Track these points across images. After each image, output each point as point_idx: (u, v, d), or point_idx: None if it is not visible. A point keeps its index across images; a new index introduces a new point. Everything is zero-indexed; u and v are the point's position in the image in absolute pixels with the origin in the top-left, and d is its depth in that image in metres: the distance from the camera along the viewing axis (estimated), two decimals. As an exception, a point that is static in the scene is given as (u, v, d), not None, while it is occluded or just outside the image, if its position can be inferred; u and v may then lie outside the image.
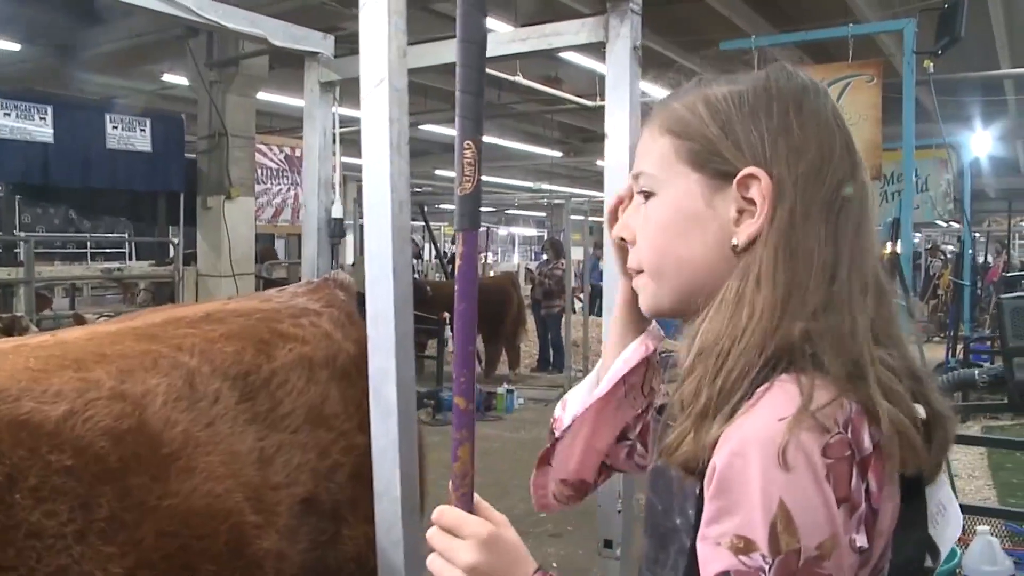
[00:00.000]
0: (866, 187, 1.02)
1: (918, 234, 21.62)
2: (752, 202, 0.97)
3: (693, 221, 1.01)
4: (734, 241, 0.98)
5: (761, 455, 0.84)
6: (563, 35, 2.56)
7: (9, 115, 8.33)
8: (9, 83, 9.73)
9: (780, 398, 0.87)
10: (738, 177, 0.98)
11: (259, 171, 10.26)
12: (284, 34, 2.91)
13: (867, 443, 0.87)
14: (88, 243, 16.08)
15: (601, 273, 14.21)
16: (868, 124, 5.19)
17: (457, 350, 1.00)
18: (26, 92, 9.06)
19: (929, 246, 19.11)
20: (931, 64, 5.05)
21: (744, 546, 0.83)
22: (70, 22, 9.85)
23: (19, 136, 8.36)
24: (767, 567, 0.83)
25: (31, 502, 1.64)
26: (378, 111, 1.94)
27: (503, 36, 2.81)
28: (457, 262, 1.01)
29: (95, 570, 1.70)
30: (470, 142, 0.98)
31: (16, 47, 10.29)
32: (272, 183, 10.63)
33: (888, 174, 7.17)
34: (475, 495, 1.01)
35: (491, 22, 8.77)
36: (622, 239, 1.12)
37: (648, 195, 1.05)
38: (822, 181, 0.97)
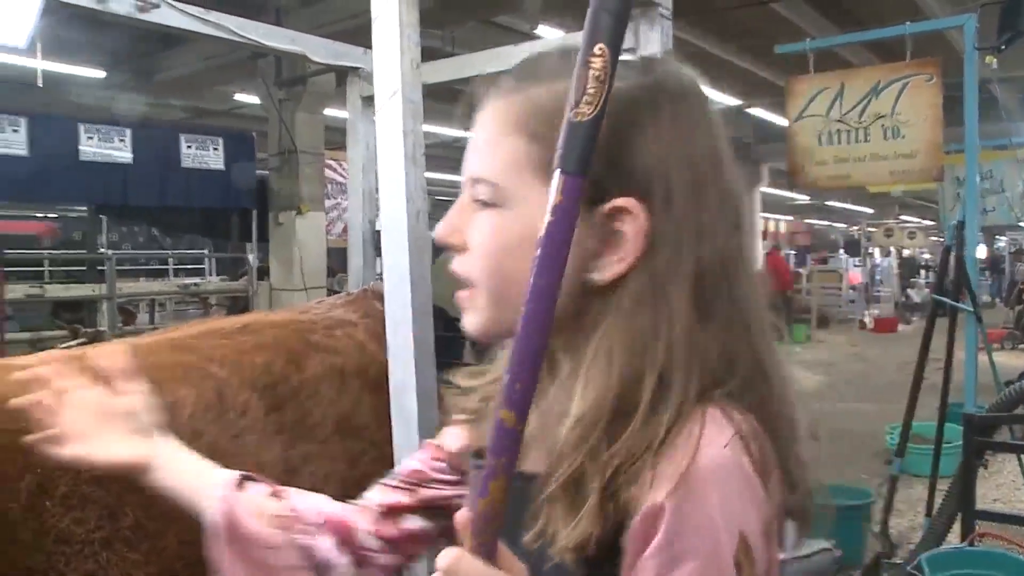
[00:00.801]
0: (751, 218, 0.91)
1: (1003, 238, 20.96)
2: (620, 234, 0.82)
3: None
4: (594, 277, 0.83)
5: (720, 491, 0.76)
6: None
7: (92, 139, 8.64)
8: (93, 109, 10.09)
9: (713, 427, 0.78)
10: (607, 207, 0.82)
11: (329, 186, 10.43)
12: (324, 51, 2.96)
13: (772, 456, 0.82)
14: (170, 259, 16.55)
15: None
16: (928, 124, 5.04)
17: (518, 343, 0.71)
18: (107, 116, 9.39)
19: (1014, 250, 18.51)
20: (994, 60, 4.90)
21: None
22: (148, 48, 10.18)
23: (100, 159, 8.66)
24: None
25: (61, 509, 1.69)
26: (392, 123, 1.96)
27: (534, 47, 2.81)
28: (547, 218, 0.71)
29: (119, 576, 1.74)
30: (603, 47, 0.69)
31: (101, 74, 10.67)
32: (342, 198, 10.78)
33: (960, 176, 6.97)
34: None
35: (543, 29, 8.79)
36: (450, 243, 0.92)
37: (488, 204, 0.87)
38: (710, 215, 0.83)
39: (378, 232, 3.17)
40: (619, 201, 0.81)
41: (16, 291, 8.53)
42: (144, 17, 2.54)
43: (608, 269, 0.82)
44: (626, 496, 0.77)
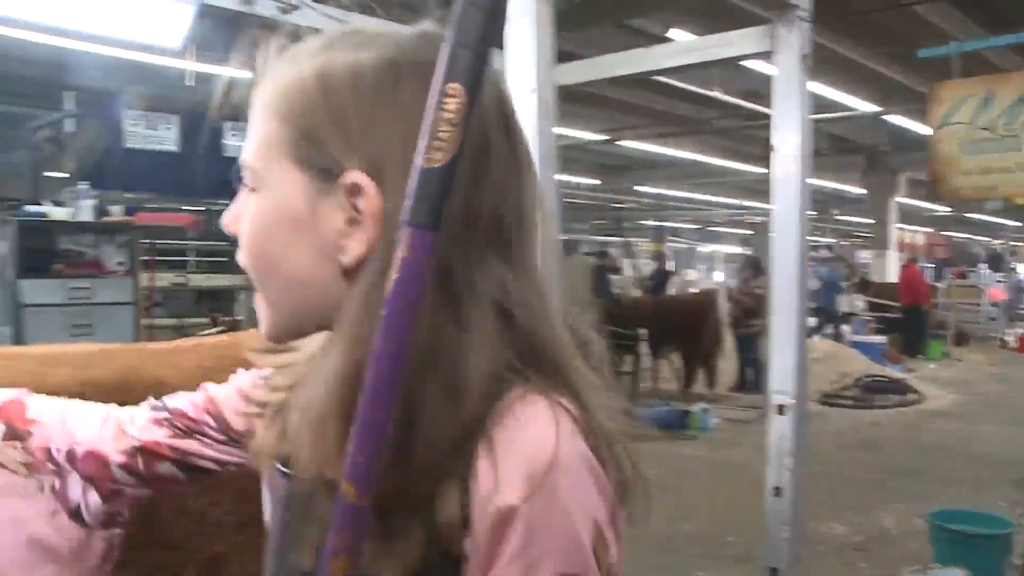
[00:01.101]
0: (530, 200, 0.83)
1: None
2: (362, 213, 0.78)
3: (294, 230, 0.81)
4: (342, 259, 0.79)
5: (570, 483, 0.72)
6: (729, 45, 2.51)
7: (235, 135, 8.98)
8: (233, 107, 10.50)
9: (545, 418, 0.74)
10: (341, 182, 0.78)
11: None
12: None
13: (604, 439, 0.78)
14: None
15: (833, 294, 13.51)
16: (1084, 134, 4.77)
17: (361, 411, 0.68)
18: (242, 112, 9.76)
19: None
20: None
21: None
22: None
23: (234, 154, 9.00)
24: None
25: (197, 489, 1.76)
26: (526, 122, 1.96)
27: (667, 49, 2.79)
28: (392, 275, 0.68)
29: (250, 561, 1.79)
30: (457, 87, 0.67)
31: (248, 74, 11.07)
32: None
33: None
34: None
35: (675, 32, 8.70)
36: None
37: (252, 190, 0.85)
38: (464, 200, 0.76)
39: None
40: (352, 176, 0.77)
41: (164, 279, 8.98)
42: (286, 19, 2.63)
43: (351, 251, 0.79)
44: (454, 509, 0.72)
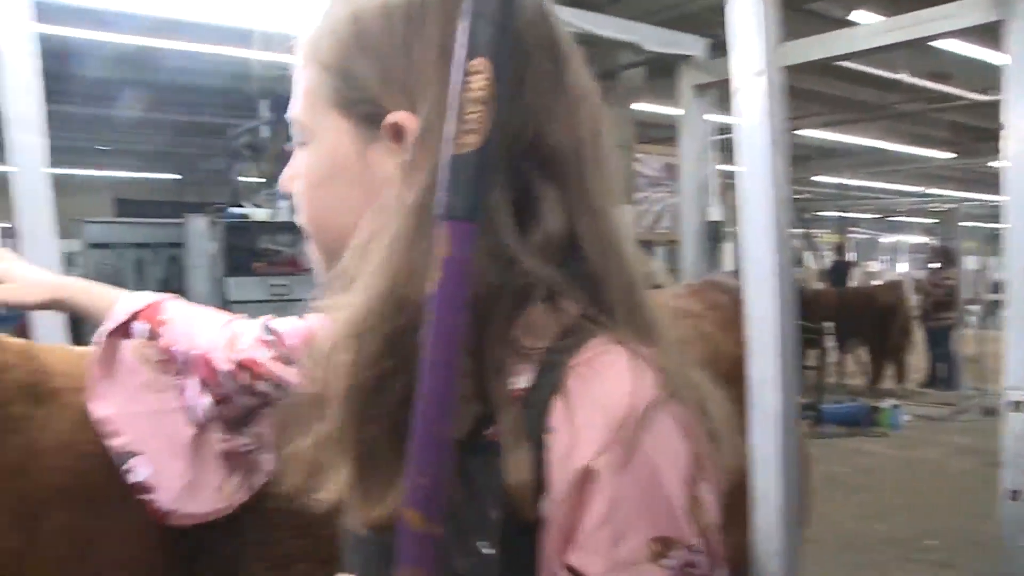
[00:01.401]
0: (590, 132, 0.77)
1: None
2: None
3: (347, 181, 0.78)
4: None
5: (657, 440, 0.66)
6: (945, 19, 2.36)
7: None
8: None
9: (627, 367, 0.69)
10: (384, 124, 0.75)
11: (638, 180, 10.47)
12: (656, 39, 2.98)
13: (690, 389, 0.72)
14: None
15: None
16: None
17: (417, 429, 0.63)
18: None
19: None
20: None
21: (663, 547, 0.65)
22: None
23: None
24: (698, 555, 0.66)
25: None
26: (755, 104, 1.91)
27: (873, 28, 2.66)
28: (436, 275, 0.62)
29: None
30: (480, 63, 0.63)
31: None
32: (651, 191, 10.80)
33: None
34: None
35: (860, 15, 8.36)
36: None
37: (302, 145, 0.83)
38: (512, 126, 0.71)
39: (710, 223, 3.14)
40: (393, 116, 0.74)
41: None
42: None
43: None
44: (526, 469, 0.66)
